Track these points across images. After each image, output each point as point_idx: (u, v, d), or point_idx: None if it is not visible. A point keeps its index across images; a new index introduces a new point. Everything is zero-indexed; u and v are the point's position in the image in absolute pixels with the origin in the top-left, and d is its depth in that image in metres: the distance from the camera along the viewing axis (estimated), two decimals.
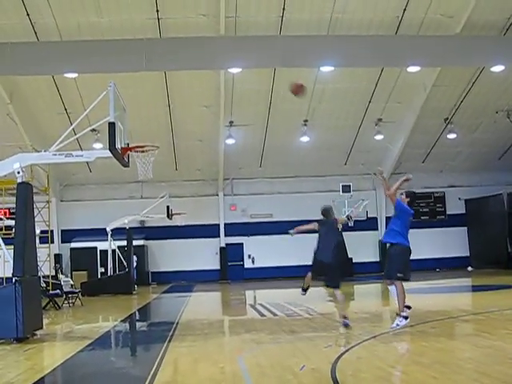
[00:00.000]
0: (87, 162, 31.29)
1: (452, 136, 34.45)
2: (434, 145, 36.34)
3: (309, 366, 8.90)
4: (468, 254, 38.40)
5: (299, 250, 36.28)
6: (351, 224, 35.34)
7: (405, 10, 25.12)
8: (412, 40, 25.35)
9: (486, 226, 36.41)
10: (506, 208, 35.69)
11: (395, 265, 11.96)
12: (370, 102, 31.51)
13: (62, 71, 25.03)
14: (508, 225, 35.09)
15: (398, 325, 11.90)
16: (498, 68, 27.77)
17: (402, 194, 12.49)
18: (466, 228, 39.00)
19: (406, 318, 11.89)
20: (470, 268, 36.17)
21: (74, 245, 35.48)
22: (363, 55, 25.16)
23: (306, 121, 32.34)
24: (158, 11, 24.05)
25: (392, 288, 12.19)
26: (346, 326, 12.35)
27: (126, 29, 24.48)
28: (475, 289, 25.29)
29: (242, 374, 8.76)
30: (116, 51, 23.40)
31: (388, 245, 12.49)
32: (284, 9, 24.53)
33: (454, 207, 39.21)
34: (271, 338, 12.00)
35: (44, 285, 22.45)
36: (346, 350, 10.05)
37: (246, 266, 37.75)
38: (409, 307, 12.00)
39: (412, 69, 27.46)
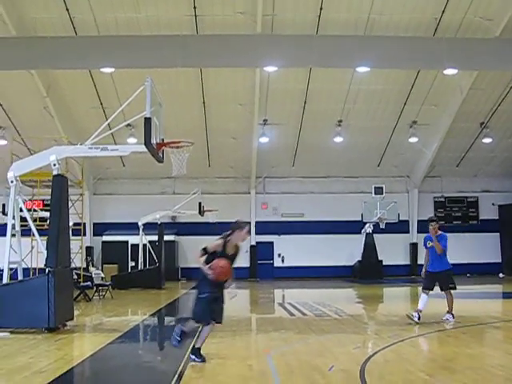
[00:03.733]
0: (121, 157, 31.51)
1: (487, 140, 34.12)
2: (468, 149, 36.01)
3: (337, 366, 8.88)
4: (500, 261, 37.99)
5: (329, 250, 36.35)
6: (383, 226, 35.40)
7: (443, 11, 24.94)
8: (450, 42, 25.07)
9: None
10: None
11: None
12: (405, 104, 31.34)
13: (99, 66, 25.20)
14: None
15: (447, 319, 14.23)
16: None
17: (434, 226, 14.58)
18: (498, 234, 38.61)
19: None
20: (501, 274, 35.77)
21: (105, 238, 35.74)
22: (400, 57, 24.97)
23: (340, 121, 32.26)
24: (195, 8, 24.17)
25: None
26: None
27: (162, 25, 24.64)
28: (506, 296, 25.03)
29: (271, 372, 8.77)
30: (153, 47, 23.49)
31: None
32: (321, 8, 24.50)
33: (487, 212, 38.83)
34: (300, 338, 11.99)
35: (75, 277, 22.65)
36: (375, 353, 10.00)
37: (275, 264, 37.75)
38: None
39: (449, 71, 27.18)
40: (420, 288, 28.82)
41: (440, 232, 14.48)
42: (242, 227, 9.59)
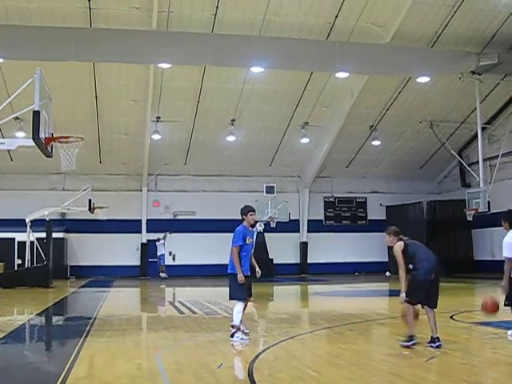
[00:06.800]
0: (8, 151, 30.52)
1: (376, 143, 35.11)
2: (358, 151, 36.95)
3: (226, 364, 8.91)
4: (387, 260, 39.06)
5: (221, 248, 36.37)
6: (273, 225, 35.74)
7: (337, 16, 25.44)
8: (342, 46, 25.69)
9: (405, 233, 36.87)
10: (425, 216, 36.61)
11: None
12: (297, 105, 31.81)
13: None
14: (426, 233, 35.93)
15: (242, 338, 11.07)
16: (423, 79, 28.51)
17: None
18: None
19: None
20: (388, 273, 36.77)
21: None
22: (293, 58, 25.41)
23: (233, 120, 32.41)
24: (89, 0, 23.67)
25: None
26: None
27: (55, 16, 24.01)
28: (392, 293, 25.75)
29: (159, 370, 8.70)
30: (44, 38, 22.93)
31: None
32: (217, 7, 24.51)
33: (375, 213, 39.93)
34: (189, 336, 11.95)
35: None
36: (264, 350, 10.09)
37: (166, 262, 37.48)
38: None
39: (340, 75, 27.84)
40: (309, 286, 29.29)
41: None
42: None
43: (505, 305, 10.45)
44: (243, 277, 11.05)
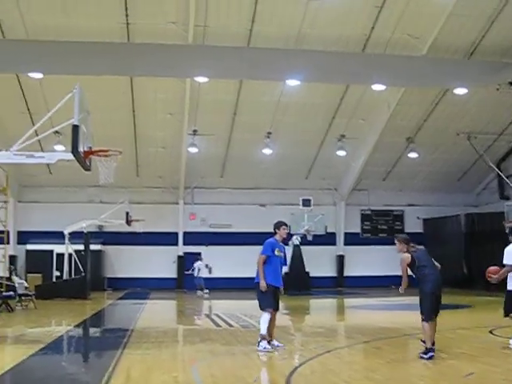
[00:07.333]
0: (48, 164, 30.91)
1: (413, 155, 34.78)
2: (395, 163, 36.70)
3: (263, 378, 8.90)
4: None
5: (256, 261, 36.38)
6: (310, 238, 35.59)
7: (373, 28, 25.33)
8: (378, 58, 25.59)
9: (443, 246, 36.76)
10: (463, 229, 36.23)
11: None
12: (333, 117, 31.72)
13: (27, 71, 24.71)
14: (464, 246, 35.57)
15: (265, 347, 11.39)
16: (461, 91, 28.20)
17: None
18: (423, 247, 39.35)
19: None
20: None
21: (29, 247, 34.95)
22: (329, 71, 25.35)
23: (269, 133, 32.38)
24: (127, 16, 23.90)
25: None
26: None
27: (94, 32, 24.22)
28: None
29: (196, 383, 8.72)
30: (83, 54, 23.15)
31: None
32: (253, 21, 24.59)
33: (413, 226, 39.52)
34: (226, 349, 11.96)
35: None
36: (301, 364, 10.05)
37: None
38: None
39: (377, 87, 27.71)
40: (346, 299, 29.07)
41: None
42: None
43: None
44: (265, 284, 11.47)
